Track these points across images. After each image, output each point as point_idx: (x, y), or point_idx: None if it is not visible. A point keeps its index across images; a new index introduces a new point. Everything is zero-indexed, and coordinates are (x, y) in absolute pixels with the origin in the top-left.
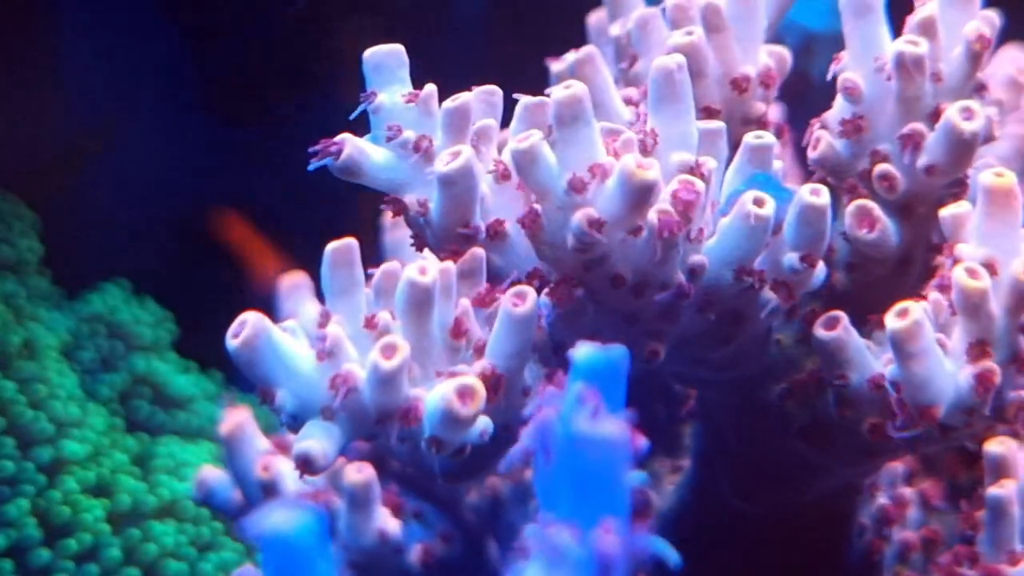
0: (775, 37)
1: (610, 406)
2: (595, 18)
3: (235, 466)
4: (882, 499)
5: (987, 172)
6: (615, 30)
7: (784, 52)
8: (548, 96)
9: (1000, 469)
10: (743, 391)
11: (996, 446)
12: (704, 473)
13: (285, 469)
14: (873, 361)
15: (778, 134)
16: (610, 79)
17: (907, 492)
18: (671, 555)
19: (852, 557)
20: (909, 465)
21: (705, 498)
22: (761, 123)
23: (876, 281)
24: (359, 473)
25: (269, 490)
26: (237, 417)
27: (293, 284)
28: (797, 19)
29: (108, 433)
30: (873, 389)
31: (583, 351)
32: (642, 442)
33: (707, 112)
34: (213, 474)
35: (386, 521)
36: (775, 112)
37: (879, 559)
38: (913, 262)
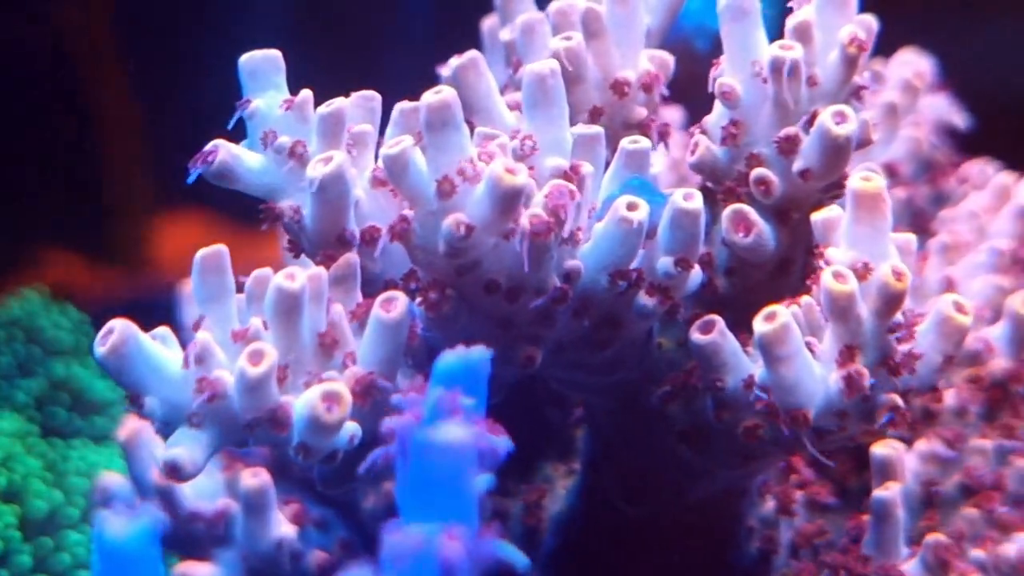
0: (671, 41)
1: (470, 410)
2: (488, 23)
3: (133, 472)
4: (771, 501)
5: (855, 176)
6: (505, 35)
7: (667, 56)
8: None
9: (886, 472)
10: (625, 395)
11: (882, 448)
12: (591, 477)
13: None
14: (750, 364)
15: (663, 137)
16: (494, 84)
17: (796, 494)
18: (519, 559)
19: (740, 559)
20: (799, 468)
21: (593, 502)
22: (643, 127)
23: (756, 284)
24: (254, 478)
25: (166, 496)
26: (134, 423)
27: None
28: (708, 22)
29: (22, 439)
30: (749, 392)
31: (445, 356)
32: (502, 446)
33: (591, 116)
34: (113, 480)
35: (283, 527)
36: (674, 115)
37: (768, 561)
38: (792, 265)
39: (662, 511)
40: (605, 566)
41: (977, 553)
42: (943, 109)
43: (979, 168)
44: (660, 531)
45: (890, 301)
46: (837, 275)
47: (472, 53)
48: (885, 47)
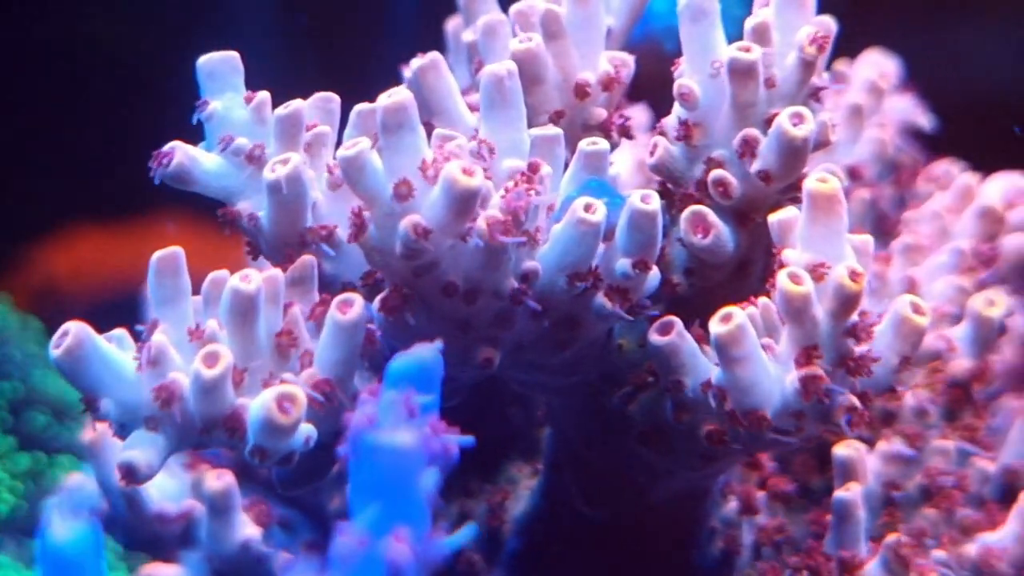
0: (640, 42)
1: (423, 412)
2: (452, 24)
3: (98, 475)
4: (734, 502)
5: (811, 178)
6: (468, 36)
7: (627, 57)
8: None
9: (848, 472)
10: (585, 396)
11: (844, 449)
12: (554, 478)
13: None
14: (709, 365)
15: (627, 137)
16: (454, 85)
17: (759, 495)
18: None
19: (703, 560)
20: (762, 468)
21: (555, 503)
22: (604, 128)
23: (716, 286)
24: (218, 481)
25: (131, 498)
26: (100, 426)
27: None
28: (676, 23)
29: None
30: (708, 393)
31: (398, 357)
32: (455, 447)
33: (551, 117)
34: (80, 482)
35: (247, 528)
36: (641, 116)
37: (731, 561)
38: (752, 266)
39: (623, 512)
40: (566, 567)
41: (938, 553)
42: (908, 110)
43: (945, 169)
44: (622, 532)
45: (846, 302)
46: (792, 276)
47: (432, 54)
48: (851, 48)
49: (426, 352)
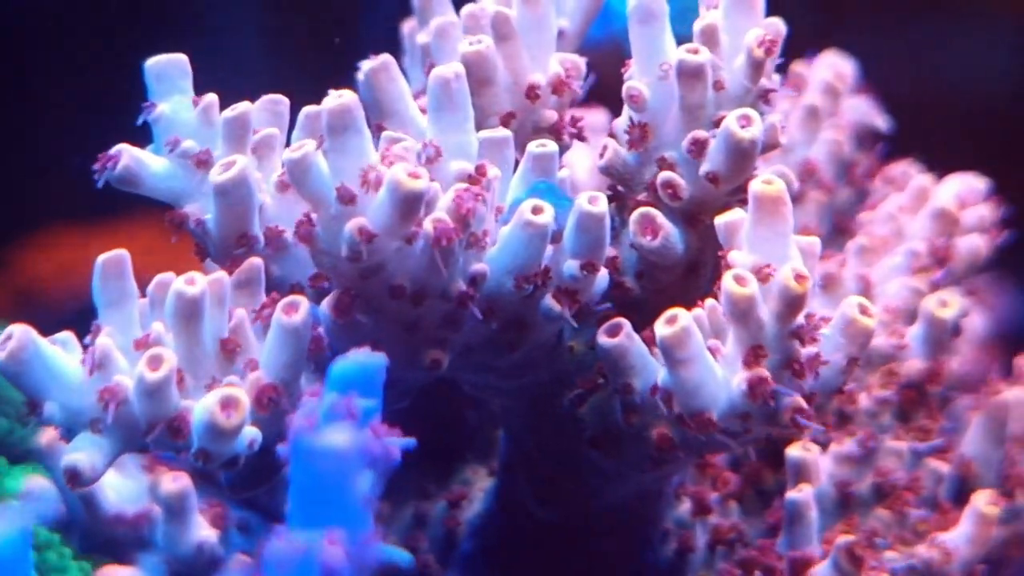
0: (601, 44)
1: (365, 414)
2: (408, 26)
3: (55, 477)
4: (687, 503)
5: (756, 180)
6: (422, 38)
7: (579, 60)
8: None
9: (800, 473)
10: (536, 398)
11: (797, 451)
12: (507, 480)
13: (106, 479)
14: (658, 368)
15: (579, 139)
16: (405, 87)
17: (712, 495)
18: (403, 558)
19: (656, 561)
20: (715, 469)
21: (509, 504)
22: (555, 130)
23: (667, 287)
24: (174, 483)
25: (88, 502)
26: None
27: None
28: None
29: None
30: (656, 396)
31: (341, 360)
32: (396, 452)
33: (501, 119)
34: (40, 485)
35: (203, 531)
36: (600, 118)
37: (685, 562)
38: (702, 268)
39: (576, 514)
40: (520, 569)
41: (890, 554)
42: (864, 111)
43: (902, 170)
44: (575, 534)
45: (791, 304)
46: (737, 278)
47: (383, 56)
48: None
49: (368, 355)
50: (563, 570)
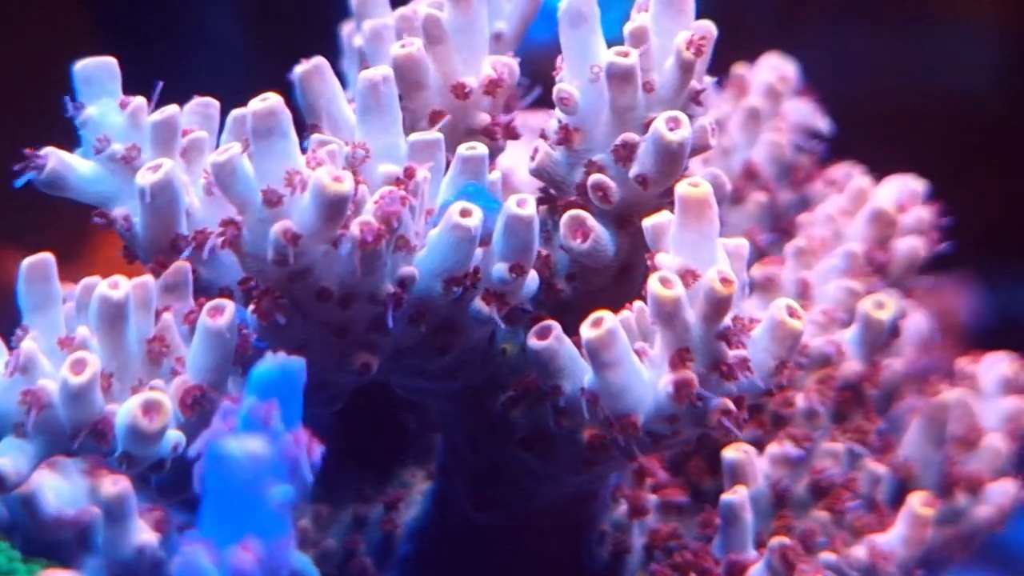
0: (547, 46)
1: (285, 419)
2: (347, 28)
3: None
4: (624, 505)
5: (682, 183)
6: (358, 41)
7: (512, 62)
8: None
9: (736, 475)
10: (470, 401)
11: (733, 453)
12: (444, 482)
13: (46, 482)
14: (588, 370)
15: (513, 138)
16: (339, 89)
17: (649, 497)
18: (312, 573)
19: (592, 562)
20: (654, 470)
21: (445, 507)
22: (488, 133)
23: (599, 290)
24: (114, 487)
25: (28, 504)
26: None
27: None
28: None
29: None
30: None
31: (260, 365)
32: (316, 457)
33: (432, 121)
34: None
35: (144, 534)
36: (542, 121)
37: (621, 564)
38: (634, 271)
39: (511, 516)
40: (457, 572)
41: (827, 555)
42: (806, 113)
43: (844, 171)
44: (511, 536)
45: (717, 306)
46: (664, 280)
47: (316, 59)
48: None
49: (288, 359)
50: (499, 572)
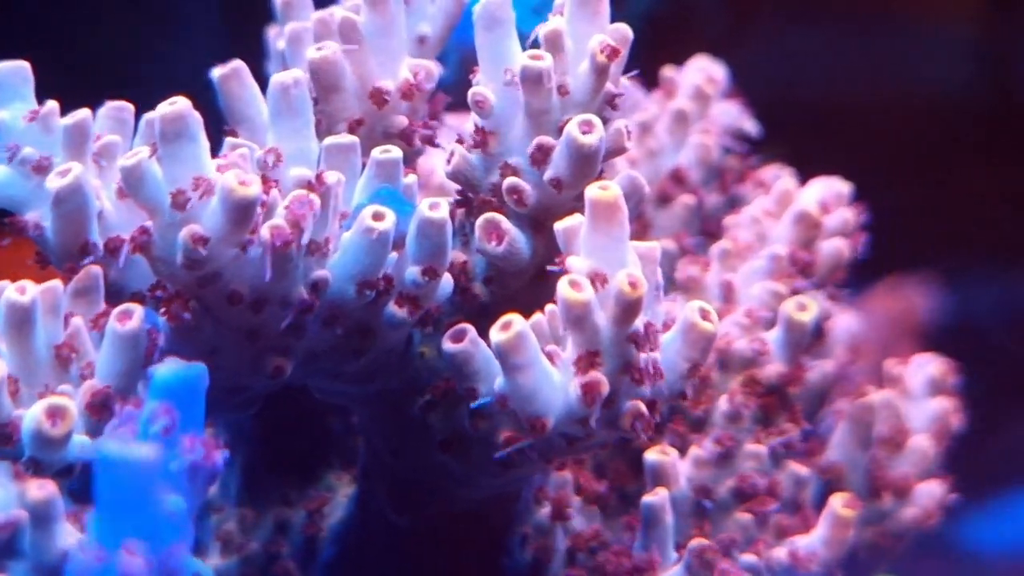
0: (457, 50)
1: (185, 424)
2: (273, 31)
3: None
4: (547, 507)
5: (592, 186)
6: (280, 44)
7: (431, 65)
8: None
9: (658, 477)
10: (388, 404)
11: (654, 455)
12: (366, 486)
13: None
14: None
15: (430, 145)
16: (258, 93)
17: (573, 500)
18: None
19: (513, 565)
20: (577, 473)
21: (368, 511)
22: (406, 136)
23: (516, 293)
24: (40, 491)
25: None
26: None
27: None
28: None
29: None
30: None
31: (161, 369)
32: (216, 461)
33: (349, 125)
34: None
35: (71, 539)
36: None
37: (542, 568)
38: (551, 274)
39: (431, 519)
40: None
41: (747, 557)
42: (734, 115)
43: (774, 173)
44: (431, 539)
45: (626, 309)
46: (573, 284)
47: (234, 62)
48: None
49: (188, 363)
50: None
